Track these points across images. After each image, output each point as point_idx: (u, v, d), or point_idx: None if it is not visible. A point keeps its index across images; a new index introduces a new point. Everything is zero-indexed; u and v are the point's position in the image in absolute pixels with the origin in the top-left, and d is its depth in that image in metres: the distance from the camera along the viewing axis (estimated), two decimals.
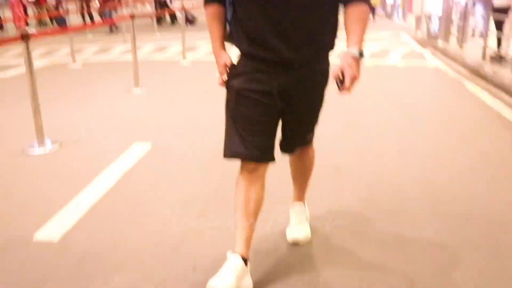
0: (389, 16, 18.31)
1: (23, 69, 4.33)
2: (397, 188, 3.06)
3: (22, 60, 4.20)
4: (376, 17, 17.01)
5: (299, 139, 2.19)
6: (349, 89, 1.77)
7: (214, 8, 1.99)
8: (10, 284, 2.14)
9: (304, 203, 2.50)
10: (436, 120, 4.60)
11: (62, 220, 2.70)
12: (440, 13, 10.24)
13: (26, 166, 3.56)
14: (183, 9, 10.97)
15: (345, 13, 1.87)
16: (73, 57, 8.59)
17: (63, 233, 2.56)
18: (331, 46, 1.97)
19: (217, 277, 1.92)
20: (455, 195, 2.96)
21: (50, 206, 2.86)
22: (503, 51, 7.05)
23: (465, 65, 7.47)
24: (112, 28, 14.44)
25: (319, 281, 2.09)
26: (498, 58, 6.98)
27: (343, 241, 2.42)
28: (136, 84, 6.12)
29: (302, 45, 1.86)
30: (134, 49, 6.13)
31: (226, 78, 1.97)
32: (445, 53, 8.90)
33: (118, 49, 10.46)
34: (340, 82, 1.78)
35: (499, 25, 7.21)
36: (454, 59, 8.16)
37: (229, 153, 1.97)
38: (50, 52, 9.99)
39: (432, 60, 8.41)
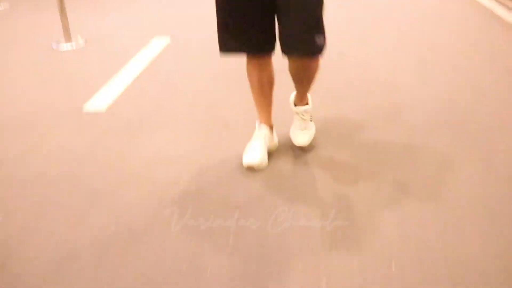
0: None
1: None
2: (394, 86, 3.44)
3: None
4: None
5: (304, 40, 1.89)
6: None
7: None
8: (68, 147, 2.57)
9: (307, 103, 2.33)
10: (435, 15, 4.90)
11: (106, 95, 3.11)
12: None
13: (60, 58, 3.90)
14: None
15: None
16: None
17: (108, 104, 2.97)
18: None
19: (251, 150, 2.13)
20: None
21: (92, 85, 3.26)
22: None
23: None
24: None
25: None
26: None
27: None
28: None
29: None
30: None
31: None
32: None
33: None
34: None
35: None
36: None
37: (224, 48, 2.03)
38: None
39: None
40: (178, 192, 2.03)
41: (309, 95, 2.31)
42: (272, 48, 2.01)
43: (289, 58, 1.97)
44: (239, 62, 2.25)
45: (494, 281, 1.49)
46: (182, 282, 1.54)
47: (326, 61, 2.19)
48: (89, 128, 2.68)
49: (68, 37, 4.16)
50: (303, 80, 2.11)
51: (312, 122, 2.36)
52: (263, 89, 2.17)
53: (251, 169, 2.11)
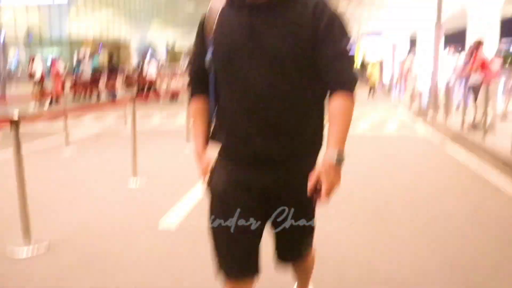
0: (386, 94, 20.33)
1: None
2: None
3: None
4: (375, 94, 19.01)
5: (295, 249, 1.96)
6: (327, 198, 1.63)
7: (200, 101, 1.90)
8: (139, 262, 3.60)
9: None
10: (417, 173, 6.13)
11: (177, 213, 4.19)
12: (428, 90, 12.07)
13: (129, 193, 5.07)
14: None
15: (329, 103, 1.75)
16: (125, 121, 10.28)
17: (179, 222, 4.03)
18: (315, 141, 1.83)
19: None
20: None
21: (164, 206, 4.35)
22: (477, 120, 8.72)
23: (448, 133, 9.12)
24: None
25: None
26: (474, 126, 8.65)
27: None
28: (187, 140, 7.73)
29: (282, 141, 1.74)
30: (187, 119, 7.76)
31: (207, 180, 1.85)
32: (433, 124, 10.59)
33: (157, 117, 12.19)
34: (316, 192, 1.65)
35: (474, 100, 8.97)
36: (439, 129, 9.82)
37: (216, 269, 1.86)
38: (100, 118, 11.69)
39: (422, 129, 10.07)
40: None
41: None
42: (257, 270, 1.85)
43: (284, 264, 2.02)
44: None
45: None
46: None
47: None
48: (161, 244, 3.70)
49: (135, 174, 5.39)
50: (302, 273, 2.22)
51: None
52: None
53: None
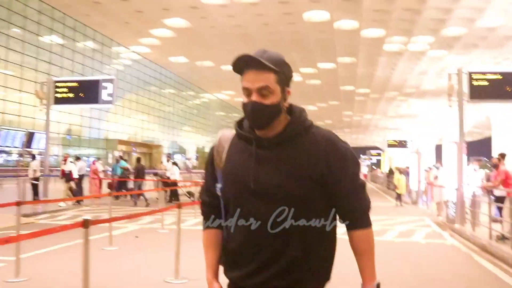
0: (414, 202, 20.49)
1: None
2: None
3: None
4: (402, 203, 19.23)
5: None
6: None
7: (211, 234, 1.94)
8: None
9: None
10: (446, 282, 6.30)
11: None
12: (455, 201, 12.31)
13: None
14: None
15: (349, 238, 1.84)
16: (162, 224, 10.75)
17: None
18: (320, 271, 1.83)
19: None
20: None
21: None
22: (504, 232, 8.88)
23: (475, 243, 9.24)
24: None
25: None
26: (501, 237, 8.80)
27: None
28: None
29: (287, 271, 1.77)
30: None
31: None
32: (460, 234, 10.72)
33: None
34: None
35: (500, 211, 9.20)
36: (467, 239, 9.95)
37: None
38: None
39: (449, 240, 10.21)
40: None
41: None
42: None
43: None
44: None
45: None
46: None
47: None
48: None
49: (177, 274, 5.74)
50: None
51: None
52: None
53: None
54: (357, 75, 31.50)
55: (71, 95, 15.86)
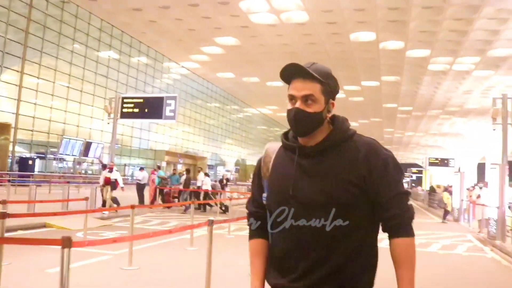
0: (456, 220, 20.81)
1: None
2: None
3: None
4: (445, 220, 19.69)
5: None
6: None
7: (258, 243, 1.95)
8: None
9: None
10: None
11: None
12: (496, 218, 12.79)
13: None
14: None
15: (389, 246, 1.80)
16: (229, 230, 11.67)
17: None
18: (362, 283, 1.81)
19: None
20: None
21: None
22: None
23: None
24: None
25: None
26: None
27: None
28: None
29: (330, 278, 1.76)
30: None
31: None
32: (501, 249, 11.23)
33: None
34: None
35: None
36: (508, 253, 10.46)
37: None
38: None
39: (490, 253, 10.74)
40: None
41: None
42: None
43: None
44: None
45: None
46: None
47: None
48: None
49: None
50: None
51: None
52: None
53: None
54: (400, 93, 31.91)
55: (136, 110, 17.27)
